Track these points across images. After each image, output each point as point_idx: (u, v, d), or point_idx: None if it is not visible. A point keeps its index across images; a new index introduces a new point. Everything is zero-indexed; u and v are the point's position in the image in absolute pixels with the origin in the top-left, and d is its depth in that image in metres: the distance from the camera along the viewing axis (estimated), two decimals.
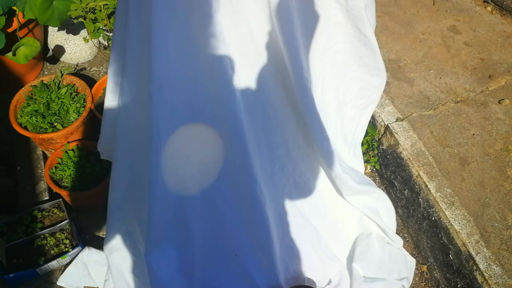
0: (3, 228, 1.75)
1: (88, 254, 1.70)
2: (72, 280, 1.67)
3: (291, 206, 1.45)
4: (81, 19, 2.03)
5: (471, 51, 2.15)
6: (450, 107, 1.90)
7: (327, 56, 1.30)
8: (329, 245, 1.61)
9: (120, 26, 1.19)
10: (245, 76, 1.14)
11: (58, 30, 2.40)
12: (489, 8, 2.40)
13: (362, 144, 1.69)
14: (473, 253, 1.50)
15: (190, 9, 1.01)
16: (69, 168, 1.85)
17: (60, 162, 1.88)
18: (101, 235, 1.86)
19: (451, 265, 1.60)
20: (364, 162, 1.72)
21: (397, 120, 1.86)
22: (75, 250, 1.72)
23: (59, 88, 1.99)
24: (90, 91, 2.02)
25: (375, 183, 1.87)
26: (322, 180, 1.49)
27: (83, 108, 1.96)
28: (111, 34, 2.16)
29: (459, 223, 1.56)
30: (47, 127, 1.89)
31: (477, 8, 2.40)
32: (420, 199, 1.70)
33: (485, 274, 1.45)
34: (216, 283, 1.41)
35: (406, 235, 1.86)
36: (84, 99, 2.00)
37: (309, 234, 1.54)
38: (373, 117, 1.91)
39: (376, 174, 2.03)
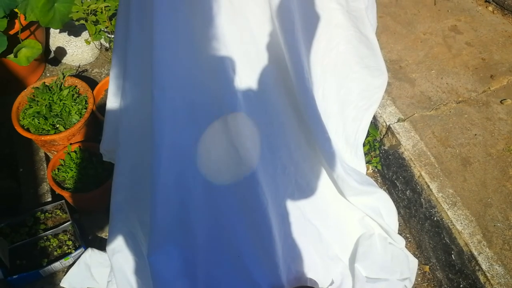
0: (6, 230, 1.75)
1: (91, 256, 1.70)
2: (75, 282, 1.67)
3: (293, 207, 1.45)
4: (82, 21, 2.04)
5: (472, 51, 2.15)
6: (452, 107, 1.90)
7: (329, 57, 1.30)
8: (331, 245, 1.61)
9: (122, 28, 1.19)
10: (246, 78, 1.14)
11: (60, 32, 2.41)
12: (490, 8, 2.39)
13: (364, 145, 1.70)
14: (476, 253, 1.50)
15: (192, 11, 1.01)
16: (72, 170, 1.85)
17: (63, 163, 1.88)
18: (103, 237, 1.86)
19: (453, 265, 1.60)
20: (366, 163, 1.72)
21: (398, 120, 1.86)
22: (78, 251, 1.72)
23: (61, 90, 2.00)
24: (92, 92, 2.02)
25: (377, 183, 1.87)
26: (324, 181, 1.49)
27: (85, 110, 1.97)
28: (112, 36, 2.17)
29: (461, 223, 1.56)
30: (49, 129, 1.90)
31: (478, 8, 2.40)
32: (422, 199, 1.70)
33: (488, 274, 1.45)
34: (218, 284, 1.41)
35: (408, 235, 1.86)
36: (86, 101, 2.00)
37: (311, 234, 1.54)
38: (374, 117, 1.91)
39: (378, 174, 2.03)
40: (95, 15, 2.02)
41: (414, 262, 1.70)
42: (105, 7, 1.98)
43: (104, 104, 1.43)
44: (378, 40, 1.33)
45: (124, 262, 1.52)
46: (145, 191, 1.28)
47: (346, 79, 1.40)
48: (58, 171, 1.86)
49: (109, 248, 1.52)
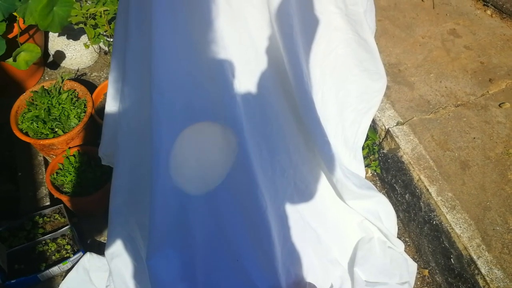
0: (5, 234, 1.75)
1: (90, 260, 1.70)
2: (73, 286, 1.67)
3: (292, 210, 1.45)
4: (81, 25, 2.04)
5: (471, 55, 2.16)
6: (451, 110, 1.91)
7: (328, 60, 1.30)
8: (331, 249, 1.61)
9: (121, 32, 1.19)
10: (245, 81, 1.14)
11: (59, 36, 2.41)
12: (488, 12, 2.40)
13: (363, 148, 1.70)
14: (475, 257, 1.49)
15: (191, 14, 1.01)
16: (70, 174, 1.85)
17: (61, 167, 1.88)
18: (102, 241, 1.86)
19: (452, 269, 1.59)
20: (365, 166, 1.72)
21: (397, 124, 1.86)
22: (77, 255, 1.71)
23: (59, 93, 2.00)
24: (91, 96, 2.02)
25: (376, 187, 1.86)
26: (323, 184, 1.49)
27: (84, 114, 1.96)
28: (111, 40, 2.17)
29: (461, 227, 1.56)
30: (48, 132, 1.90)
31: (477, 12, 2.41)
32: (421, 203, 1.70)
33: (487, 278, 1.45)
34: (217, 287, 1.41)
35: (407, 239, 1.85)
36: (84, 105, 2.00)
37: (311, 238, 1.54)
38: (373, 121, 1.91)
39: (377, 178, 2.03)
40: (94, 19, 2.02)
41: (413, 266, 1.69)
42: (104, 11, 1.99)
43: (103, 108, 1.42)
44: (377, 43, 1.33)
45: (123, 266, 1.52)
46: (144, 195, 1.28)
47: (345, 82, 1.40)
48: (56, 175, 1.86)
49: (108, 252, 1.52)
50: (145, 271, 1.29)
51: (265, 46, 1.13)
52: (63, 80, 2.03)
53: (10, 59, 1.96)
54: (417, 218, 1.75)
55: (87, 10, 1.97)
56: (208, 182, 1.25)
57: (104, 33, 2.11)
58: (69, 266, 1.72)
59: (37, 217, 1.80)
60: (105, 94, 2.02)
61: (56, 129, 1.91)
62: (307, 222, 1.52)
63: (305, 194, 1.48)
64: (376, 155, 1.97)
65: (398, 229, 1.78)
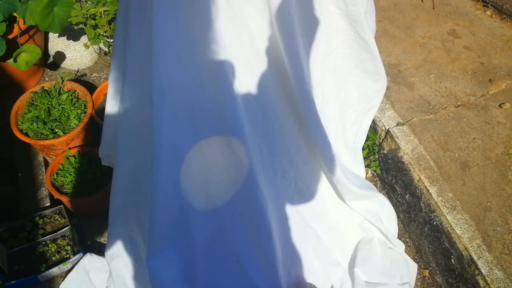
0: (5, 235, 1.75)
1: (90, 261, 1.70)
2: (73, 287, 1.66)
3: (293, 211, 1.45)
4: (81, 26, 2.04)
5: (471, 55, 2.16)
6: (451, 111, 1.91)
7: (328, 61, 1.30)
8: (331, 250, 1.61)
9: (121, 32, 1.19)
10: (246, 81, 1.14)
11: (59, 37, 2.41)
12: (488, 12, 2.40)
13: (363, 149, 1.70)
14: (475, 258, 1.49)
15: (191, 15, 1.01)
16: (70, 174, 1.85)
17: (61, 168, 1.88)
18: (102, 241, 1.86)
19: (453, 270, 1.59)
20: (365, 167, 1.72)
21: (397, 124, 1.86)
22: (77, 256, 1.71)
23: (60, 94, 2.00)
24: (91, 97, 2.02)
25: (376, 187, 1.86)
26: (324, 185, 1.49)
27: (84, 114, 1.96)
28: (111, 40, 2.17)
29: (461, 227, 1.56)
30: (48, 133, 1.90)
31: (476, 12, 2.41)
32: (421, 203, 1.70)
33: (487, 279, 1.45)
34: None
35: (407, 239, 1.85)
36: (85, 105, 2.00)
37: (311, 239, 1.54)
38: (373, 121, 1.91)
39: (377, 178, 2.03)
40: (94, 19, 2.03)
41: (413, 267, 1.69)
42: (104, 11, 1.99)
43: (103, 109, 1.42)
44: (377, 44, 1.33)
45: (123, 267, 1.52)
46: (144, 195, 1.28)
47: (345, 83, 1.40)
48: (57, 176, 1.86)
49: (108, 253, 1.52)
50: (145, 271, 1.29)
51: (266, 46, 1.13)
52: (63, 81, 2.03)
53: (11, 60, 1.96)
54: (418, 218, 1.75)
55: (87, 11, 1.97)
56: (208, 183, 1.25)
57: (104, 34, 2.11)
58: (69, 267, 1.72)
59: (37, 218, 1.80)
60: (105, 95, 2.02)
61: (56, 130, 1.91)
62: (308, 223, 1.52)
63: (305, 195, 1.48)
64: (376, 156, 1.97)
65: (399, 229, 1.78)
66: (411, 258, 1.73)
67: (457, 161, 1.74)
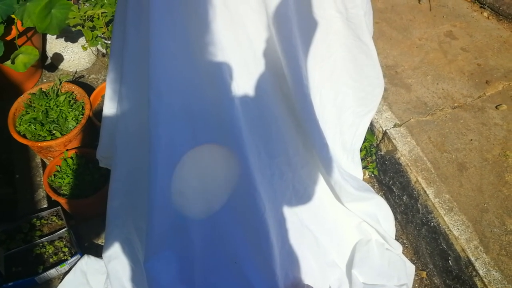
0: (2, 237, 1.75)
1: (87, 262, 1.69)
2: None
3: (290, 212, 1.45)
4: (79, 27, 2.04)
5: (468, 57, 2.16)
6: (448, 112, 1.91)
7: (327, 64, 1.30)
8: (329, 251, 1.61)
9: (119, 34, 1.19)
10: (244, 83, 1.14)
11: (57, 38, 2.41)
12: (485, 14, 2.41)
13: (360, 150, 1.70)
14: (473, 259, 1.50)
15: (189, 17, 1.01)
16: (68, 176, 1.84)
17: (59, 170, 1.87)
18: (100, 243, 1.86)
19: (450, 271, 1.60)
20: (363, 168, 1.73)
21: (395, 126, 1.87)
22: (74, 258, 1.71)
23: (57, 95, 1.99)
24: (89, 98, 2.02)
25: (374, 189, 1.87)
26: (322, 186, 1.50)
27: (82, 116, 1.96)
28: (109, 42, 2.17)
29: (458, 228, 1.57)
30: (46, 135, 1.89)
31: (473, 14, 2.42)
32: (418, 204, 1.70)
33: (485, 280, 1.45)
34: None
35: (405, 241, 1.86)
36: (82, 107, 2.00)
37: (309, 240, 1.54)
38: (371, 123, 1.92)
39: (375, 180, 2.03)
40: (92, 21, 2.03)
41: (411, 268, 1.70)
42: (102, 13, 1.99)
43: (101, 110, 1.42)
44: (374, 45, 1.33)
45: (121, 268, 1.52)
46: (142, 197, 1.28)
47: (344, 86, 1.40)
48: (54, 177, 1.86)
49: (106, 254, 1.52)
50: (143, 273, 1.29)
51: (264, 48, 1.13)
52: (61, 82, 2.03)
53: (8, 62, 1.96)
54: (415, 220, 1.75)
55: (85, 13, 1.97)
56: (206, 185, 1.25)
57: (102, 35, 2.11)
58: (67, 269, 1.71)
59: (35, 219, 1.80)
60: (103, 96, 2.03)
61: (54, 131, 1.91)
62: (305, 225, 1.52)
63: (303, 196, 1.48)
64: (374, 157, 1.98)
65: (396, 231, 1.78)
66: (409, 259, 1.73)
67: (454, 163, 1.74)
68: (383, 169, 1.92)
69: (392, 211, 1.72)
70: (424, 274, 1.76)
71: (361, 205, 1.57)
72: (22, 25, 1.91)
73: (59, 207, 1.84)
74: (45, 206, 1.89)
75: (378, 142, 1.94)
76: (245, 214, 1.27)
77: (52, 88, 2.01)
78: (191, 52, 1.06)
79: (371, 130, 1.94)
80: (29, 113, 1.92)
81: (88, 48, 2.20)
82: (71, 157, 1.89)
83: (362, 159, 1.76)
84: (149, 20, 1.00)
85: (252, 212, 1.25)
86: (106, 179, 1.82)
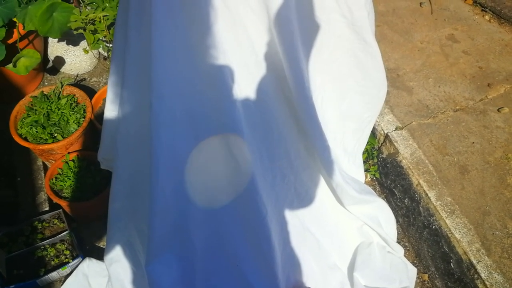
0: (4, 239, 1.75)
1: (89, 265, 1.70)
2: None
3: (292, 215, 1.45)
4: (81, 30, 2.04)
5: (469, 60, 2.16)
6: (449, 115, 1.91)
7: (330, 68, 1.29)
8: (330, 254, 1.61)
9: (120, 37, 1.19)
10: (245, 86, 1.14)
11: (58, 41, 2.41)
12: (487, 17, 2.41)
13: (362, 153, 1.70)
14: (474, 262, 1.49)
15: (190, 20, 1.01)
16: (70, 179, 1.85)
17: (61, 172, 1.88)
18: (101, 246, 1.86)
19: (452, 274, 1.59)
20: (364, 171, 1.72)
21: (396, 128, 1.87)
22: (76, 261, 1.71)
23: (59, 98, 2.00)
24: (90, 101, 2.02)
25: (375, 192, 1.86)
26: (323, 189, 1.49)
27: (83, 119, 1.96)
28: (110, 45, 2.17)
29: (460, 231, 1.56)
30: (47, 138, 1.90)
31: (475, 17, 2.42)
32: (420, 207, 1.70)
33: (487, 283, 1.45)
34: None
35: (407, 244, 1.85)
36: (84, 110, 2.00)
37: (310, 243, 1.54)
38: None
39: (376, 183, 2.03)
40: (94, 24, 2.03)
41: (413, 271, 1.69)
42: (103, 16, 1.99)
43: (102, 113, 1.42)
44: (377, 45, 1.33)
45: (122, 271, 1.52)
46: (143, 200, 1.28)
47: (350, 91, 1.39)
48: (56, 180, 1.86)
49: (107, 257, 1.51)
50: (144, 276, 1.29)
51: (265, 51, 1.13)
52: (62, 86, 2.03)
53: (10, 65, 1.96)
54: (417, 222, 1.75)
55: (86, 16, 1.98)
56: (207, 188, 1.25)
57: (104, 39, 2.12)
58: (68, 272, 1.71)
59: (36, 222, 1.80)
60: (105, 99, 2.02)
61: (56, 134, 1.91)
62: (307, 227, 1.52)
63: (305, 199, 1.48)
64: (375, 160, 1.97)
65: (398, 233, 1.78)
66: (410, 262, 1.73)
67: (456, 165, 1.74)
68: (385, 172, 1.92)
69: (394, 214, 1.72)
70: (426, 277, 1.76)
71: (362, 208, 1.57)
72: (23, 28, 1.92)
73: (61, 210, 1.84)
74: (47, 209, 1.89)
75: (379, 145, 1.94)
76: (246, 216, 1.26)
77: (53, 91, 2.01)
78: (192, 55, 1.06)
79: (372, 133, 1.94)
80: (30, 116, 1.93)
81: (89, 51, 2.21)
82: (73, 160, 1.89)
83: (363, 162, 1.75)
84: (150, 23, 1.00)
85: (254, 214, 1.25)
86: (107, 182, 1.82)
